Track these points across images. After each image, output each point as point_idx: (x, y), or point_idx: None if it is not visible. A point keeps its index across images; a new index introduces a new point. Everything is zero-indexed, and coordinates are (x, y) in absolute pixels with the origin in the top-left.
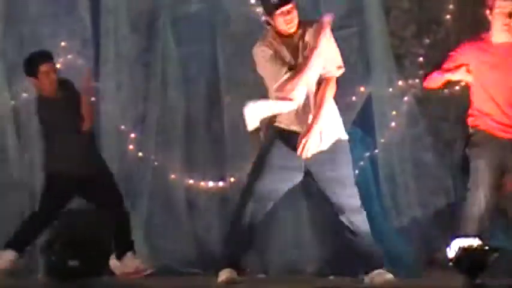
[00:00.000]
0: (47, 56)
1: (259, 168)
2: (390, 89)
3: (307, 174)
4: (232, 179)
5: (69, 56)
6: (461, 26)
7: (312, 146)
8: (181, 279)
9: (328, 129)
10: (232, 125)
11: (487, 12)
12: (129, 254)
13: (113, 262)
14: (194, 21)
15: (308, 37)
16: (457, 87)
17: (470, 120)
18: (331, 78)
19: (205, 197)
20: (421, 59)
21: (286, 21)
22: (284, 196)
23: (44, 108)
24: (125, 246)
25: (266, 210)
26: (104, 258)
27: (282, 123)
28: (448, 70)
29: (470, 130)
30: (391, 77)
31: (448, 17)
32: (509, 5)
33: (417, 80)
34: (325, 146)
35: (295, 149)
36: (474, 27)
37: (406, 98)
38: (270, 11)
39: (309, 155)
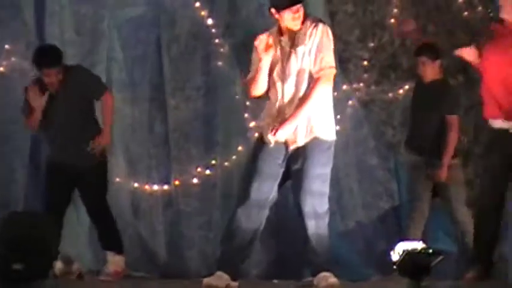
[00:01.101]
0: (52, 62)
1: (249, 174)
2: (335, 93)
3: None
4: (176, 182)
5: (13, 59)
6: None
7: (282, 133)
8: (129, 283)
9: (306, 126)
10: (176, 128)
11: None
12: (117, 256)
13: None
14: (139, 24)
15: (301, 34)
16: (400, 91)
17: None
18: (320, 77)
19: (150, 200)
20: (365, 62)
21: (294, 18)
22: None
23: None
24: (110, 246)
25: (263, 215)
26: (48, 262)
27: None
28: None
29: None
30: (335, 81)
31: (392, 20)
32: None
33: (361, 84)
34: (300, 141)
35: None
36: (418, 30)
37: (350, 102)
38: (278, 7)
39: (275, 139)
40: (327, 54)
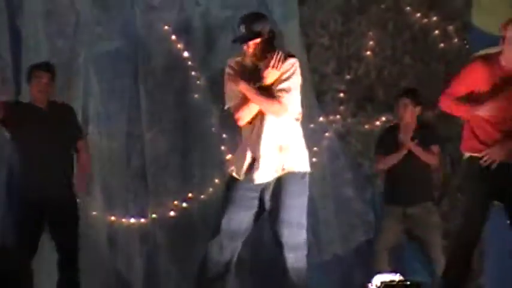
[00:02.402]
0: (44, 66)
1: (222, 206)
2: (311, 125)
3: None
4: (154, 216)
5: None
6: (381, 61)
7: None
8: None
9: (277, 162)
10: (153, 161)
11: (500, 40)
12: None
13: None
14: (115, 58)
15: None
16: (377, 123)
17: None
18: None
19: (127, 233)
20: (341, 94)
21: (248, 52)
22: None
23: (25, 113)
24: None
25: (235, 247)
26: None
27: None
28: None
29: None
30: (312, 113)
31: (368, 53)
32: None
33: (338, 116)
34: (271, 177)
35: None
36: (394, 62)
37: (327, 134)
38: (233, 41)
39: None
40: (282, 81)
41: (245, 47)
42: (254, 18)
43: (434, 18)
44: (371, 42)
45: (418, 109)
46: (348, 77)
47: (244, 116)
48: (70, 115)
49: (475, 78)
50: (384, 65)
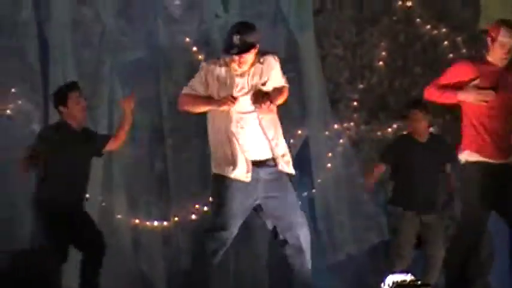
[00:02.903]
0: (73, 85)
1: (223, 215)
2: (326, 132)
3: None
4: (176, 219)
5: (19, 102)
6: (393, 71)
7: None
8: None
9: (271, 161)
10: (175, 166)
11: (488, 39)
12: None
13: None
14: (139, 67)
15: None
16: (389, 130)
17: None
18: None
19: (150, 236)
20: (355, 103)
21: (237, 64)
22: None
23: (61, 133)
24: (91, 286)
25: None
26: None
27: None
28: (459, 89)
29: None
30: (326, 120)
31: (380, 63)
32: (510, 41)
33: (351, 123)
34: (266, 176)
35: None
36: (405, 72)
37: (341, 140)
38: (225, 51)
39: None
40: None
41: (235, 57)
42: (248, 28)
43: (444, 30)
44: (383, 53)
45: (428, 118)
46: (361, 86)
47: (188, 109)
48: (92, 133)
49: (462, 72)
50: (396, 75)
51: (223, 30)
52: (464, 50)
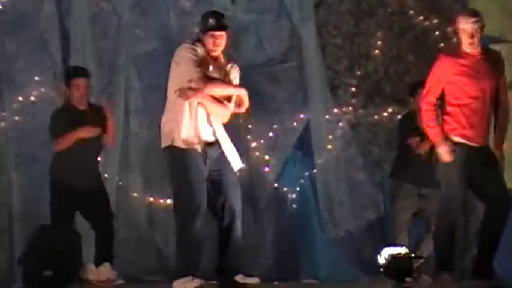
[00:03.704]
0: (78, 71)
1: (189, 186)
2: (326, 116)
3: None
4: None
5: (42, 89)
6: (388, 59)
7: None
8: (144, 286)
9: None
10: None
11: (456, 34)
12: (106, 264)
13: (90, 267)
14: (153, 57)
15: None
16: (385, 114)
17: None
18: None
19: (164, 213)
20: (353, 89)
21: (214, 43)
22: None
23: (64, 115)
24: (104, 257)
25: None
26: (74, 269)
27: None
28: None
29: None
30: (327, 105)
31: (376, 52)
32: (470, 27)
33: (350, 108)
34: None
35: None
36: (399, 60)
37: (340, 124)
38: (205, 29)
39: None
40: None
41: (217, 37)
42: (220, 14)
43: (435, 21)
44: (379, 42)
45: None
46: (358, 73)
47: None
48: (101, 112)
49: (445, 70)
50: (390, 63)
51: (231, 21)
52: (454, 40)
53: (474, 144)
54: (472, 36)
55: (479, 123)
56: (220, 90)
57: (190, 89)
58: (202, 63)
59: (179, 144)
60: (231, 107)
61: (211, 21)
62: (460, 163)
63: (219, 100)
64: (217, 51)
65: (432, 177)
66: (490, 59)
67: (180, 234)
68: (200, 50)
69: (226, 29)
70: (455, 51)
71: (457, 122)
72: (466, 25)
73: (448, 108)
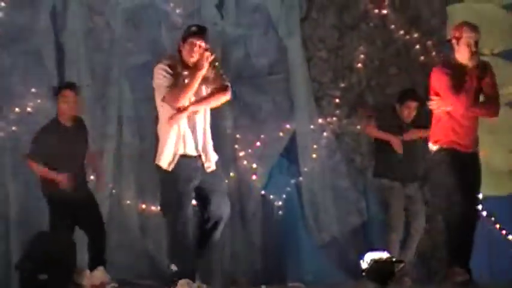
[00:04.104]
0: (67, 85)
1: (180, 197)
2: (311, 126)
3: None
4: None
5: (39, 101)
6: (370, 72)
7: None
8: None
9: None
10: None
11: (453, 41)
12: (100, 268)
13: (84, 272)
14: (144, 69)
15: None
16: None
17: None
18: None
19: (156, 220)
20: (337, 100)
21: (193, 51)
22: None
23: (48, 134)
24: (98, 261)
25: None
26: (68, 273)
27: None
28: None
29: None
30: (312, 116)
31: (359, 64)
32: (474, 36)
33: (334, 118)
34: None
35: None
36: (381, 72)
37: (325, 134)
38: (185, 36)
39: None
40: None
41: (197, 45)
42: (200, 25)
43: (416, 35)
44: (362, 56)
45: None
46: (342, 85)
47: (184, 96)
48: (85, 129)
49: (442, 81)
50: (373, 75)
51: (220, 36)
52: (433, 53)
53: (463, 151)
54: (473, 48)
55: (467, 132)
56: (191, 91)
57: (170, 118)
58: (176, 76)
59: (165, 166)
60: (205, 65)
61: (193, 28)
62: (450, 166)
63: (205, 98)
64: (194, 58)
65: (414, 172)
66: (481, 68)
67: (172, 238)
68: (174, 62)
69: (205, 34)
70: (449, 62)
71: (446, 132)
72: (469, 34)
73: (438, 118)
